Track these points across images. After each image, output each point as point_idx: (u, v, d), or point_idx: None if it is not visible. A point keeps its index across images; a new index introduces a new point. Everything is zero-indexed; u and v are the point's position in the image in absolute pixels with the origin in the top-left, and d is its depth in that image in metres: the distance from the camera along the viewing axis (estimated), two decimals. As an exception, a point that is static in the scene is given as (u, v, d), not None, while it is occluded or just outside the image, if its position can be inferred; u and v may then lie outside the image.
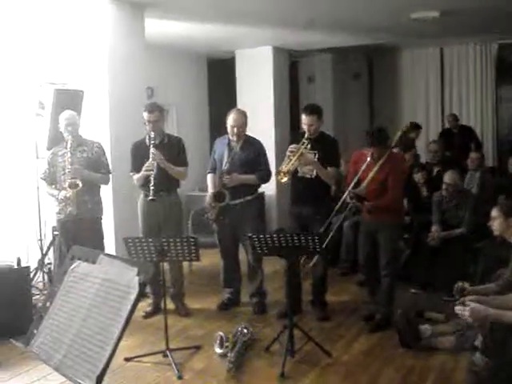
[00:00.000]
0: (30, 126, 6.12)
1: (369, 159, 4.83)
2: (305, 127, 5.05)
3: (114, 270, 2.15)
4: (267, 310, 5.51)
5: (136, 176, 5.26)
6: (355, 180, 4.84)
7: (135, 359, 4.36)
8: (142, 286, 2.04)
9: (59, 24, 6.14)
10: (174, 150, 5.31)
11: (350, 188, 4.83)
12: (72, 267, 2.32)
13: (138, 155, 5.26)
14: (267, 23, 7.50)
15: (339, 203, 4.92)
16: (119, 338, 2.02)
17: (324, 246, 4.44)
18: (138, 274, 2.07)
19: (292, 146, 5.00)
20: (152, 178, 5.04)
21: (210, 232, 5.79)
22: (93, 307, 2.14)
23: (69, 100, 5.70)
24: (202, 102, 9.85)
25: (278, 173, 4.97)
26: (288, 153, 4.96)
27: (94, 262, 2.27)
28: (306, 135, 4.99)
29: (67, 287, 2.29)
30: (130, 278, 2.07)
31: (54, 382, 3.86)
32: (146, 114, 5.19)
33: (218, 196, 5.31)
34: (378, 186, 4.85)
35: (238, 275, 5.69)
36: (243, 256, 5.61)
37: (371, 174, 4.81)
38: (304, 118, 5.07)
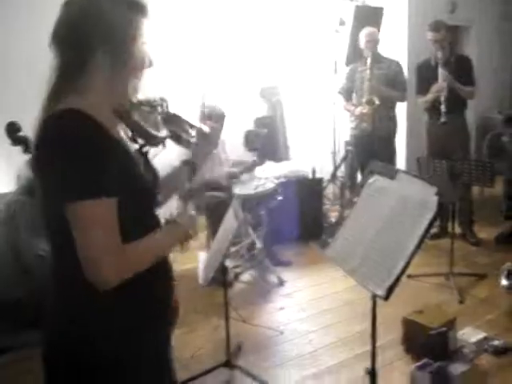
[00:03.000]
0: (329, 42, 6.32)
1: None
2: None
3: (412, 187, 2.16)
4: None
5: (423, 98, 5.12)
6: None
7: (417, 277, 4.41)
8: (439, 206, 2.03)
9: None
10: (461, 69, 5.04)
11: None
12: (370, 181, 2.39)
13: (424, 77, 5.12)
14: None
15: None
16: (412, 255, 2.06)
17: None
18: (437, 194, 2.05)
19: None
20: (443, 100, 4.87)
21: (506, 157, 5.45)
22: (388, 221, 2.19)
23: (369, 17, 5.73)
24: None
25: None
26: None
27: (392, 178, 2.30)
28: None
29: (364, 200, 2.37)
30: (429, 197, 2.07)
31: (342, 286, 4.18)
32: (430, 34, 4.98)
33: None
34: None
35: None
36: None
37: None
38: None
